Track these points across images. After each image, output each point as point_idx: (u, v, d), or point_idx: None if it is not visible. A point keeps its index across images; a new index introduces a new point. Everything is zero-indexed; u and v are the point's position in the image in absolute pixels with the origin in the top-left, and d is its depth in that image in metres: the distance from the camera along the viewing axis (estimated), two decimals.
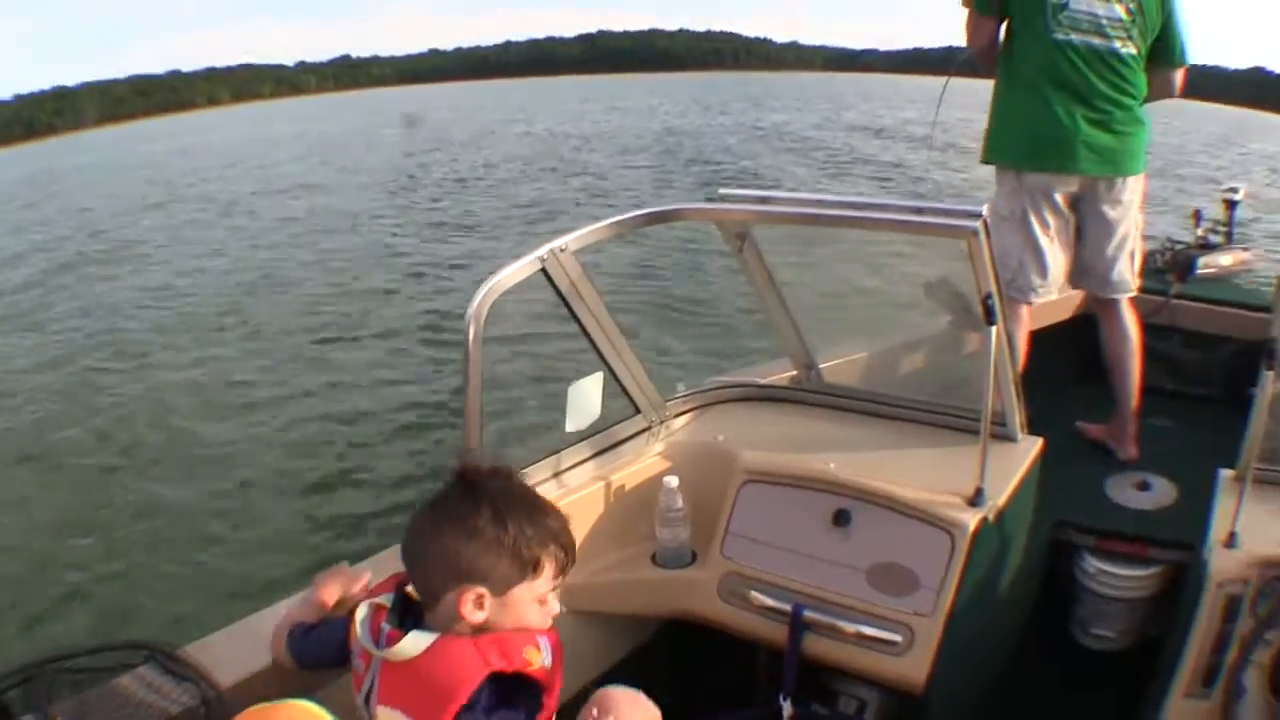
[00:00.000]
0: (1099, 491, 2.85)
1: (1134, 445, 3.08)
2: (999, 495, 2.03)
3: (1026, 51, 2.89)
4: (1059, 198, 2.91)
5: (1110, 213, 2.95)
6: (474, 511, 1.27)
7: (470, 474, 1.31)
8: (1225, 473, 2.12)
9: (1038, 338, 3.11)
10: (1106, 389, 3.09)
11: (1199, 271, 3.76)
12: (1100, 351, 3.12)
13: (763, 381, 2.64)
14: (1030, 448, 2.26)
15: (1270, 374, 1.87)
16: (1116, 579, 2.58)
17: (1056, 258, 2.97)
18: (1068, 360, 3.50)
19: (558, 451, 2.15)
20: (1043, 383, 2.77)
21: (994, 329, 1.93)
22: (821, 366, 2.64)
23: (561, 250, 1.97)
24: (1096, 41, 2.82)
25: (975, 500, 1.98)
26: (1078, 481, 2.85)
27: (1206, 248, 3.89)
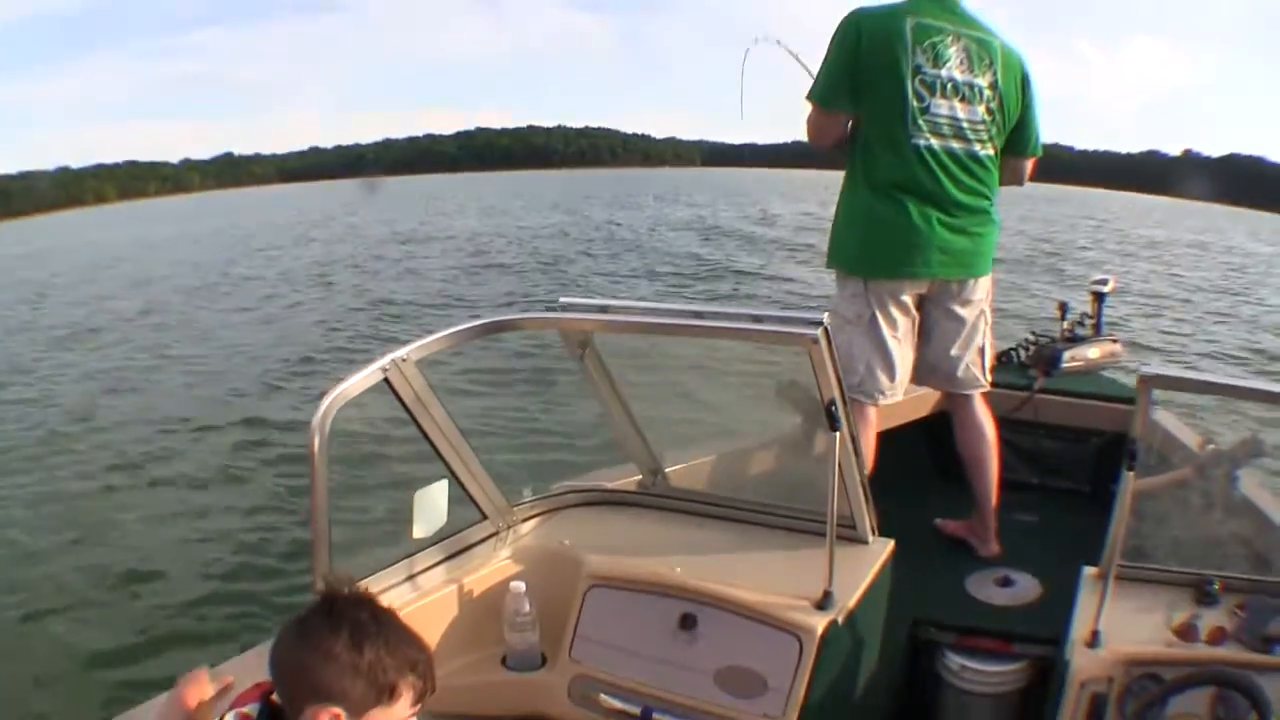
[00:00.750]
0: (959, 589, 2.83)
1: (995, 541, 3.04)
2: (848, 598, 2.06)
3: (881, 155, 2.75)
4: (907, 299, 2.82)
5: (959, 311, 2.87)
6: (333, 635, 1.31)
7: (333, 598, 1.36)
8: (1088, 570, 2.17)
9: (895, 435, 3.13)
10: (967, 485, 3.05)
11: (1064, 365, 3.73)
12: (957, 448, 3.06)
13: (609, 486, 2.65)
14: (881, 550, 2.30)
15: (1130, 474, 1.93)
16: (980, 675, 2.56)
17: (905, 358, 2.87)
18: (926, 457, 3.53)
19: (406, 557, 2.17)
20: (901, 481, 2.85)
21: (838, 435, 1.96)
22: (669, 470, 2.66)
23: (403, 360, 1.99)
24: (957, 145, 2.72)
25: (823, 604, 2.02)
26: (937, 579, 2.86)
27: (1073, 340, 3.86)
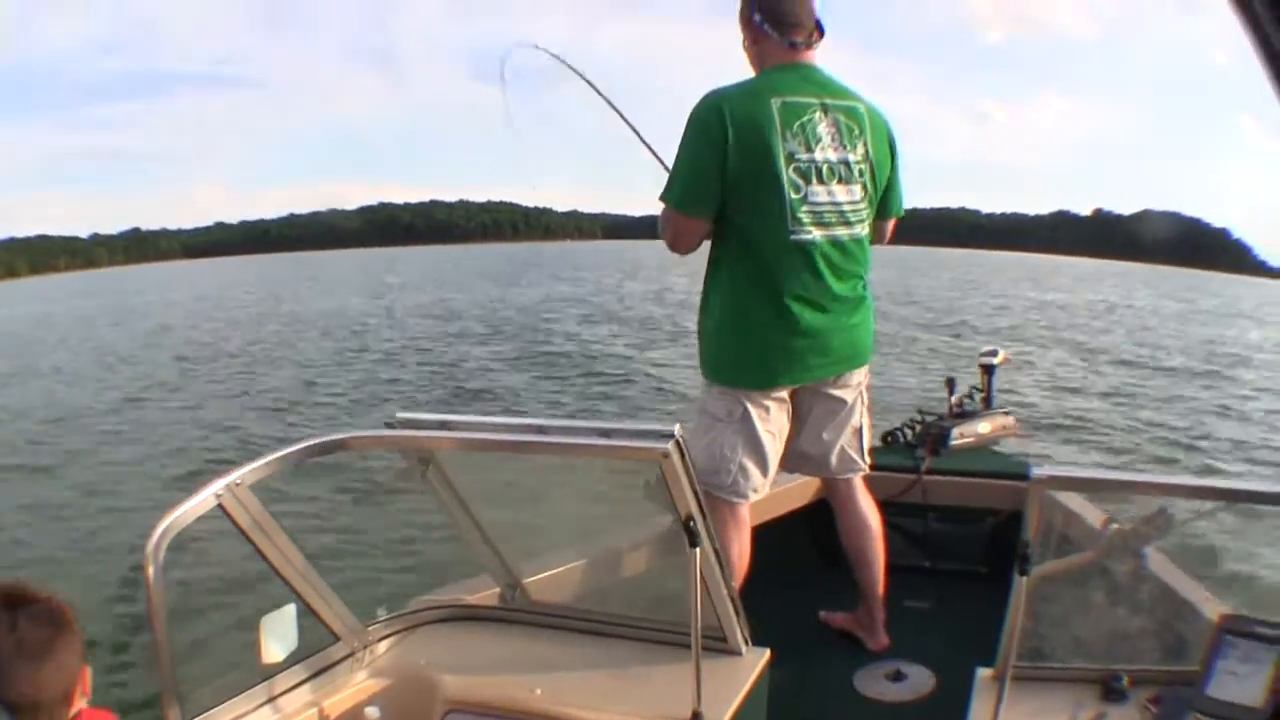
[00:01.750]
0: (847, 686, 2.70)
1: (883, 633, 2.85)
2: (721, 714, 1.98)
3: (754, 256, 2.45)
4: (784, 395, 2.57)
5: (836, 394, 2.64)
6: None
7: None
8: (983, 672, 2.05)
9: (775, 527, 3.04)
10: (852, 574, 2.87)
11: (954, 443, 3.53)
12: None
13: (470, 600, 2.52)
14: (756, 660, 2.21)
15: (1022, 579, 1.83)
16: None
17: (777, 452, 2.61)
18: (808, 547, 3.38)
19: (255, 685, 2.05)
20: (785, 573, 2.80)
21: (697, 551, 1.86)
22: (529, 581, 2.51)
23: (236, 485, 1.91)
24: (841, 232, 2.47)
25: None
26: (824, 678, 2.74)
27: (961, 416, 3.67)
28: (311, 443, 2.13)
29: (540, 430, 2.00)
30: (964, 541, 3.36)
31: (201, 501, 1.87)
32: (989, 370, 3.76)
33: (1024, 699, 1.91)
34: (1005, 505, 3.25)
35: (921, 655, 2.77)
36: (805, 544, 3.35)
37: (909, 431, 3.68)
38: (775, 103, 2.37)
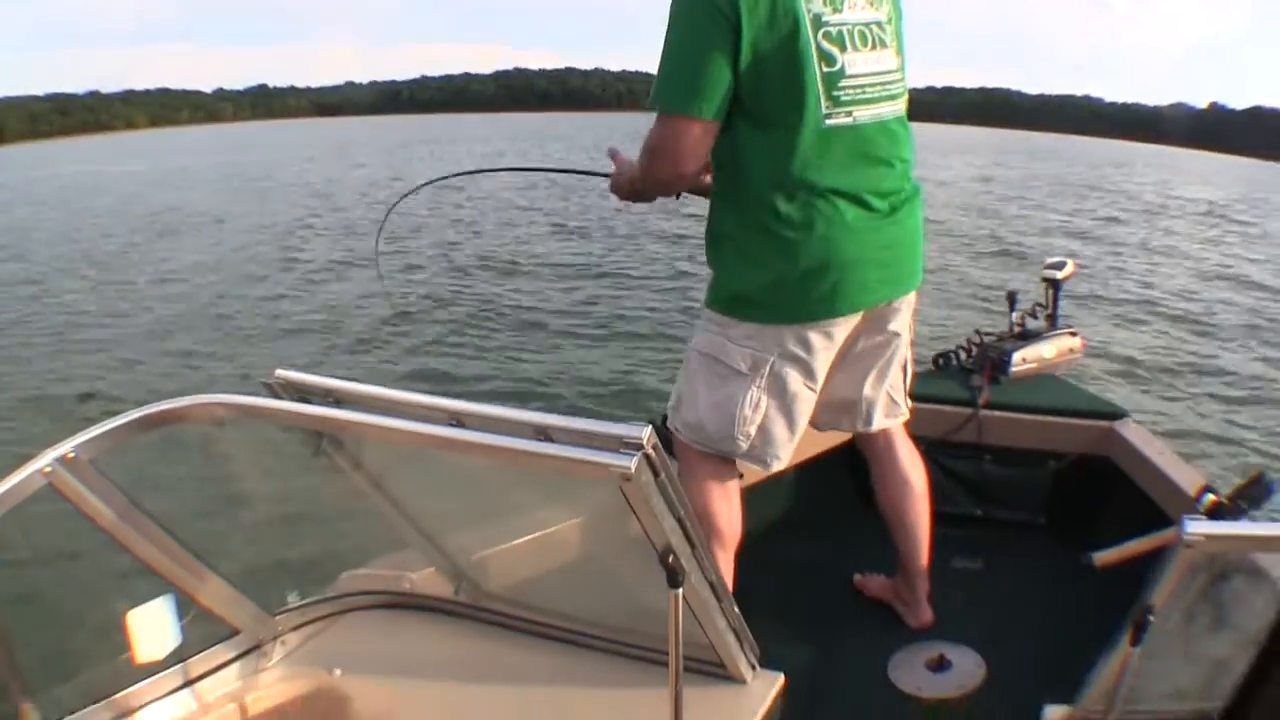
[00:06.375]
0: (880, 675, 2.28)
1: (926, 608, 2.43)
2: None
3: (780, 153, 1.90)
4: (836, 333, 2.02)
5: (890, 326, 2.11)
6: None
7: None
8: (1052, 712, 1.64)
9: (809, 468, 2.69)
10: None
11: (1014, 369, 3.08)
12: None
13: (413, 581, 2.08)
14: (766, 689, 1.78)
15: (1134, 649, 1.41)
16: None
17: (811, 407, 2.11)
18: (844, 495, 2.91)
19: (124, 689, 1.74)
20: (813, 526, 2.52)
21: (678, 594, 1.39)
22: (477, 571, 2.06)
23: (70, 459, 1.57)
24: (886, 110, 1.95)
25: None
26: (855, 661, 2.33)
27: (1024, 337, 3.19)
28: (150, 410, 1.70)
29: (456, 419, 1.47)
30: (1022, 488, 2.96)
31: (25, 480, 1.56)
32: (1054, 285, 3.27)
33: None
34: (1071, 448, 2.87)
35: (971, 633, 2.39)
36: (842, 489, 2.95)
37: (963, 354, 3.23)
38: None
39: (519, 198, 21.51)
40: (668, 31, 1.89)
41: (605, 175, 2.24)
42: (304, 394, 1.64)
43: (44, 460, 1.57)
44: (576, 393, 7.46)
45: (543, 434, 1.34)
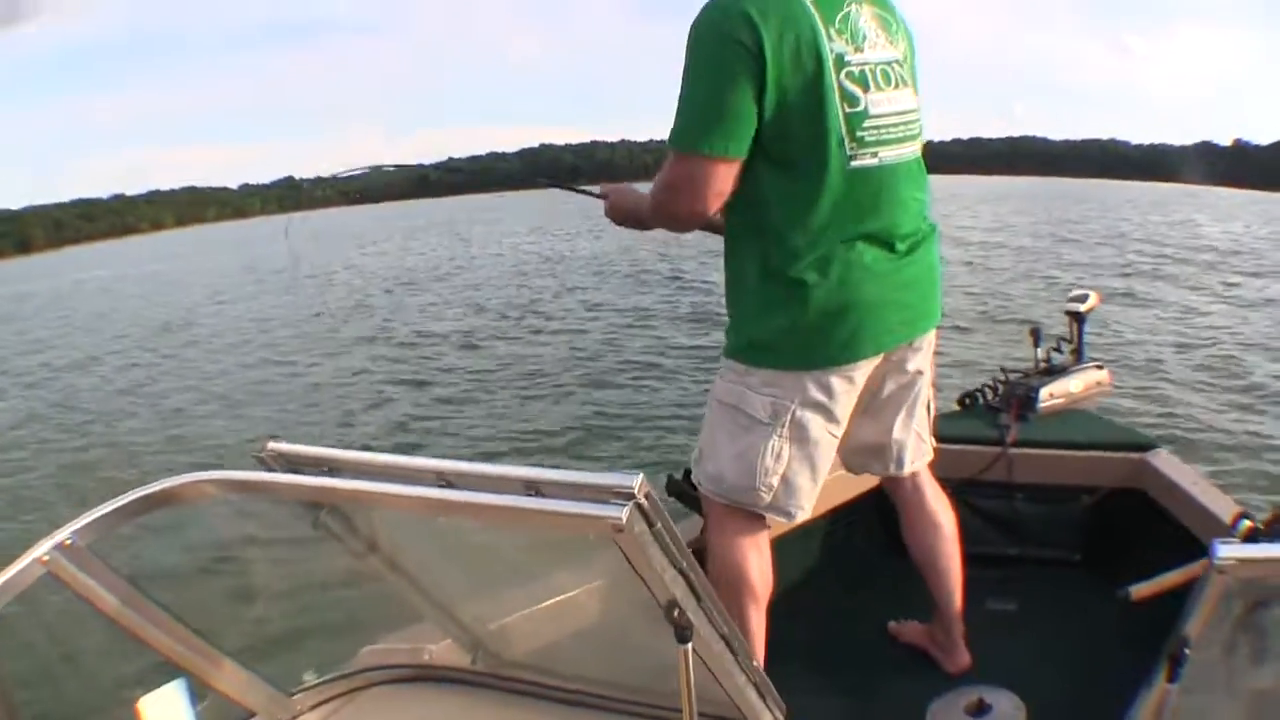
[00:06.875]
0: None
1: (962, 651, 2.37)
2: None
3: (803, 195, 1.88)
4: (857, 376, 1.99)
5: (911, 366, 2.08)
6: None
7: None
8: None
9: (830, 520, 2.71)
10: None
11: (1041, 405, 3.03)
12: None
13: (431, 653, 2.04)
14: None
15: (1172, 686, 1.35)
16: None
17: (833, 454, 2.07)
18: (874, 541, 2.88)
19: None
20: (843, 574, 2.50)
21: (688, 649, 1.31)
22: (492, 639, 2.02)
23: (67, 545, 1.56)
24: (907, 151, 1.93)
25: None
26: (893, 712, 2.27)
27: (1050, 373, 3.15)
28: (146, 491, 1.68)
29: (445, 480, 1.43)
30: (1055, 525, 2.91)
31: (24, 570, 1.55)
32: (1078, 318, 3.22)
33: None
34: (1104, 482, 2.82)
35: (1009, 675, 2.33)
36: (872, 534, 2.91)
37: (989, 392, 3.18)
38: None
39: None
40: (688, 69, 1.86)
41: (597, 195, 2.23)
42: (296, 465, 1.62)
43: (42, 549, 1.56)
44: (620, 448, 7.57)
45: (533, 489, 1.30)
